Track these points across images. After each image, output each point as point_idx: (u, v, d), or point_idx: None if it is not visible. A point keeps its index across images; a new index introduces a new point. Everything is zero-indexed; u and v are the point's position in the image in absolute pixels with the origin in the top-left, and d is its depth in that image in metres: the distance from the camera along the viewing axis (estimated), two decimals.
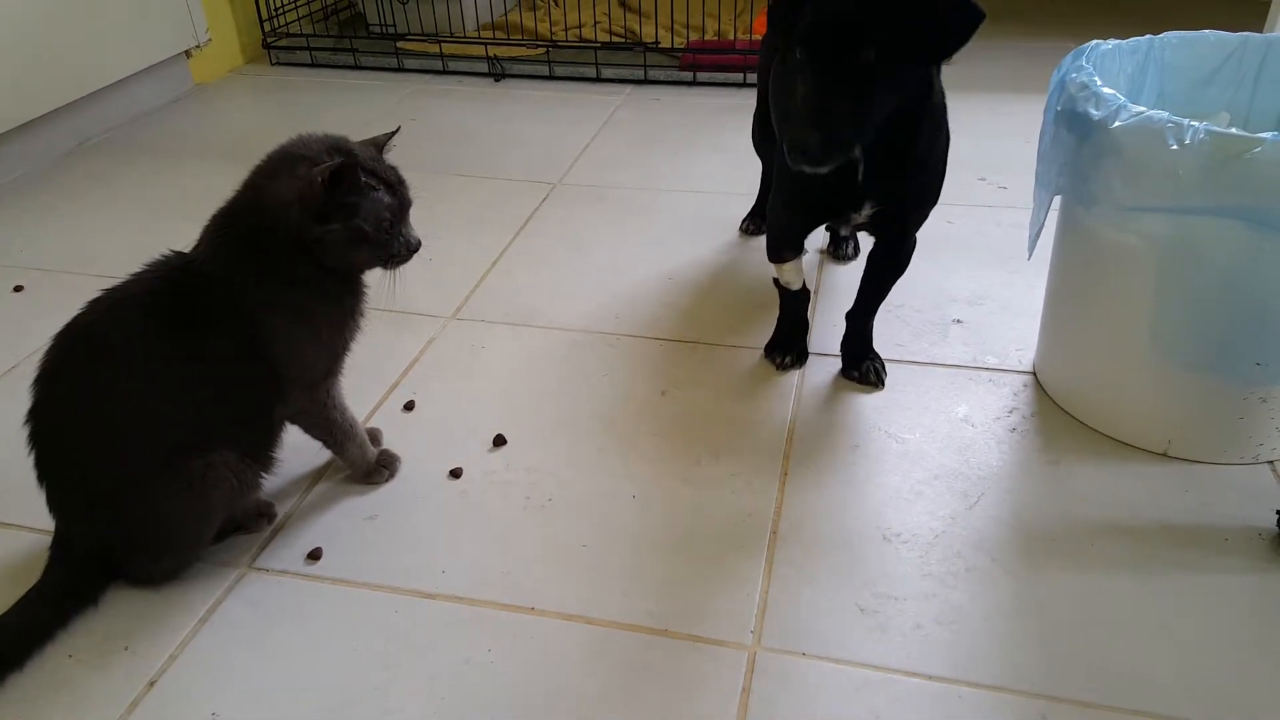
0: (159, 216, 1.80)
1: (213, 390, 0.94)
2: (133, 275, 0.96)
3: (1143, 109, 0.99)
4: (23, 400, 0.93)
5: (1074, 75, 1.09)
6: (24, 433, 0.93)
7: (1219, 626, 0.93)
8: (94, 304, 0.94)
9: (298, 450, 1.09)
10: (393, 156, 1.01)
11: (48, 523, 0.97)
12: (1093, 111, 1.03)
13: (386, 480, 1.13)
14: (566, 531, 1.06)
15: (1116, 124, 0.99)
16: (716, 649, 0.92)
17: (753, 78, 2.39)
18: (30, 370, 0.94)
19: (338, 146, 0.95)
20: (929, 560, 1.01)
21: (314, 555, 1.03)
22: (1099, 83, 1.06)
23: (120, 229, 1.76)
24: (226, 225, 0.95)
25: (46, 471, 0.94)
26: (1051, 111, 1.13)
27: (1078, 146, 1.05)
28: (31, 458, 0.93)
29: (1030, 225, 1.21)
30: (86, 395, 0.91)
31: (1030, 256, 1.24)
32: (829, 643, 0.92)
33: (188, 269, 0.95)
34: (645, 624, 0.95)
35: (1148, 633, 0.93)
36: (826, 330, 1.40)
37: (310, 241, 0.92)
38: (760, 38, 2.48)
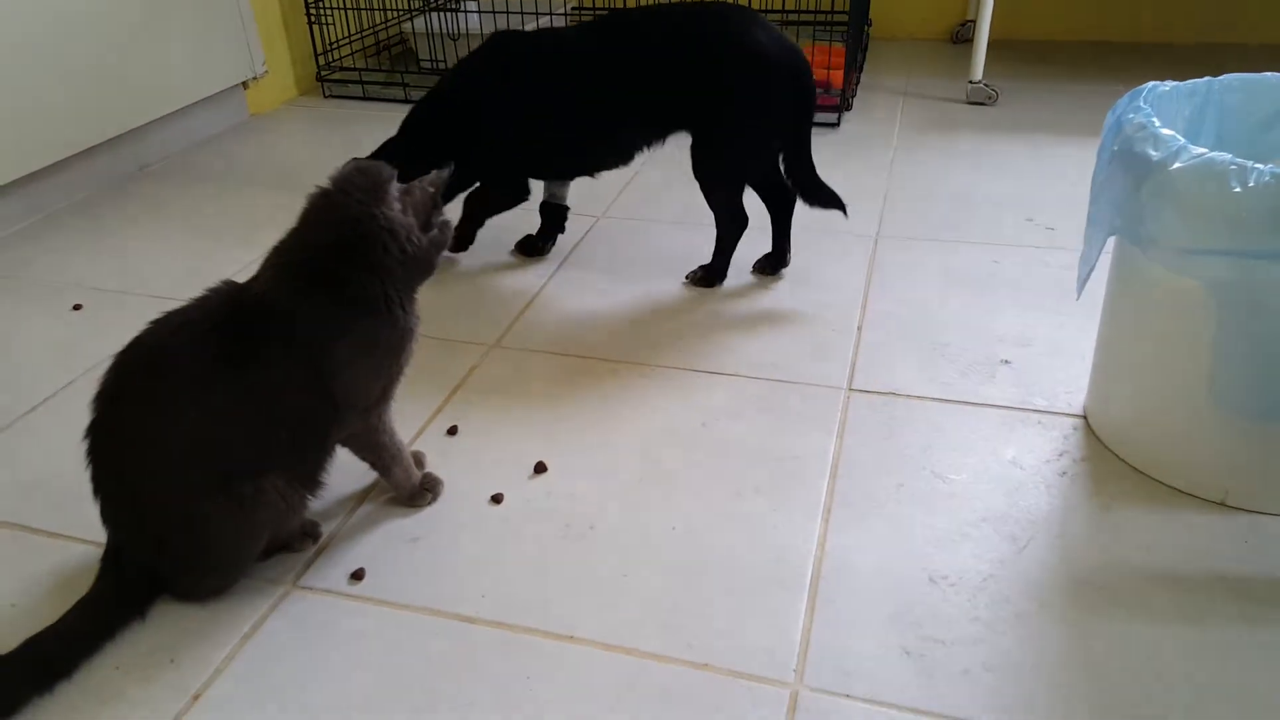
0: (213, 241, 1.85)
1: (267, 416, 0.95)
2: (195, 300, 0.98)
3: (1204, 150, 0.98)
4: (79, 415, 0.95)
5: (1131, 116, 1.08)
6: (81, 447, 0.95)
7: None
8: (156, 325, 0.96)
9: (343, 471, 1.10)
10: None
11: (99, 535, 0.98)
12: (1151, 152, 1.02)
13: (430, 503, 1.14)
14: (606, 560, 1.06)
15: (1176, 165, 0.98)
16: (757, 685, 0.91)
17: None
18: (87, 385, 0.95)
19: (386, 169, 1.01)
20: (977, 604, 0.99)
21: (357, 576, 1.04)
22: (1158, 123, 1.05)
23: (176, 252, 1.81)
24: (293, 254, 0.98)
25: (102, 486, 0.95)
26: (1107, 152, 1.12)
27: (1135, 187, 1.04)
28: (88, 472, 0.95)
29: (1080, 264, 1.20)
30: (145, 416, 0.92)
31: (1079, 296, 1.23)
32: (874, 684, 0.90)
33: (249, 297, 0.97)
34: (685, 657, 0.94)
35: (1205, 687, 0.90)
36: (872, 365, 1.39)
37: (408, 245, 0.99)
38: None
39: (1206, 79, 1.21)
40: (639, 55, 1.50)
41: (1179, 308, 1.07)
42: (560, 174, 1.71)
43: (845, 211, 1.59)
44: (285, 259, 0.99)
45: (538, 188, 1.77)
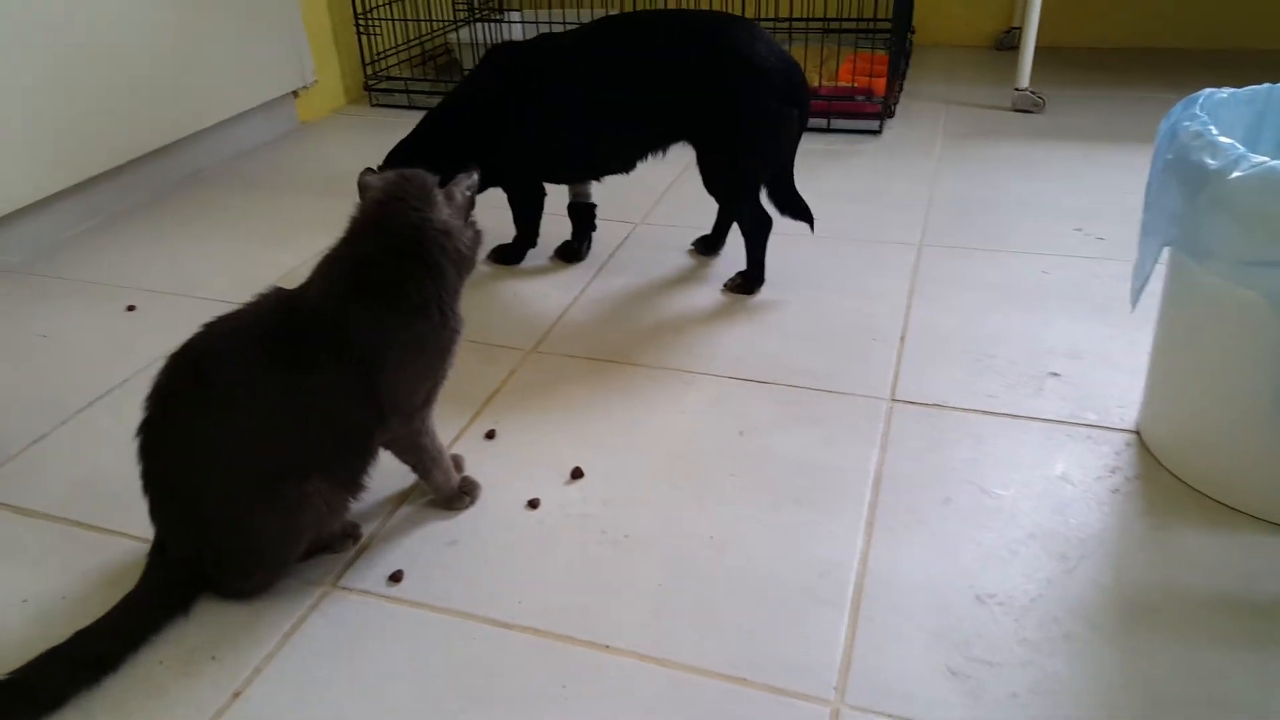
0: (261, 245, 1.87)
1: (315, 421, 0.96)
2: (246, 305, 0.99)
3: (1264, 159, 0.95)
4: (131, 414, 0.96)
5: (1187, 124, 1.05)
6: (132, 446, 0.96)
7: None
8: (208, 329, 0.97)
9: (383, 473, 1.10)
10: (481, 195, 1.06)
11: (146, 532, 1.00)
12: (1208, 161, 0.99)
13: (468, 506, 1.14)
14: (642, 569, 1.05)
15: (1235, 174, 0.95)
16: (796, 702, 0.89)
17: (838, 123, 2.39)
18: (138, 385, 0.97)
19: (429, 175, 1.04)
20: (1025, 625, 0.96)
21: (395, 577, 1.04)
22: (1214, 131, 1.02)
23: (225, 256, 1.84)
24: (350, 261, 0.99)
25: (151, 484, 0.97)
26: (1161, 160, 1.09)
27: (1191, 197, 1.02)
28: (138, 469, 0.96)
29: (1135, 276, 1.17)
30: (196, 417, 0.94)
31: (1134, 308, 1.20)
32: (917, 705, 0.88)
33: (302, 303, 0.98)
34: (722, 670, 0.92)
35: (1269, 717, 0.86)
36: (915, 376, 1.37)
37: (461, 246, 1.02)
38: (843, 84, 2.48)
39: (1266, 85, 1.17)
40: (640, 63, 1.52)
41: (1238, 320, 1.04)
42: (568, 178, 1.75)
43: (813, 226, 1.62)
44: (341, 267, 1.00)
45: (560, 195, 1.77)
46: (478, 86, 1.64)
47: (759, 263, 1.63)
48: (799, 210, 1.61)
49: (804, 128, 1.56)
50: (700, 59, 1.48)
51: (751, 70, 1.46)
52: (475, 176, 1.08)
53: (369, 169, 1.05)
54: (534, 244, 1.79)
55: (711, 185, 1.58)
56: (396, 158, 1.65)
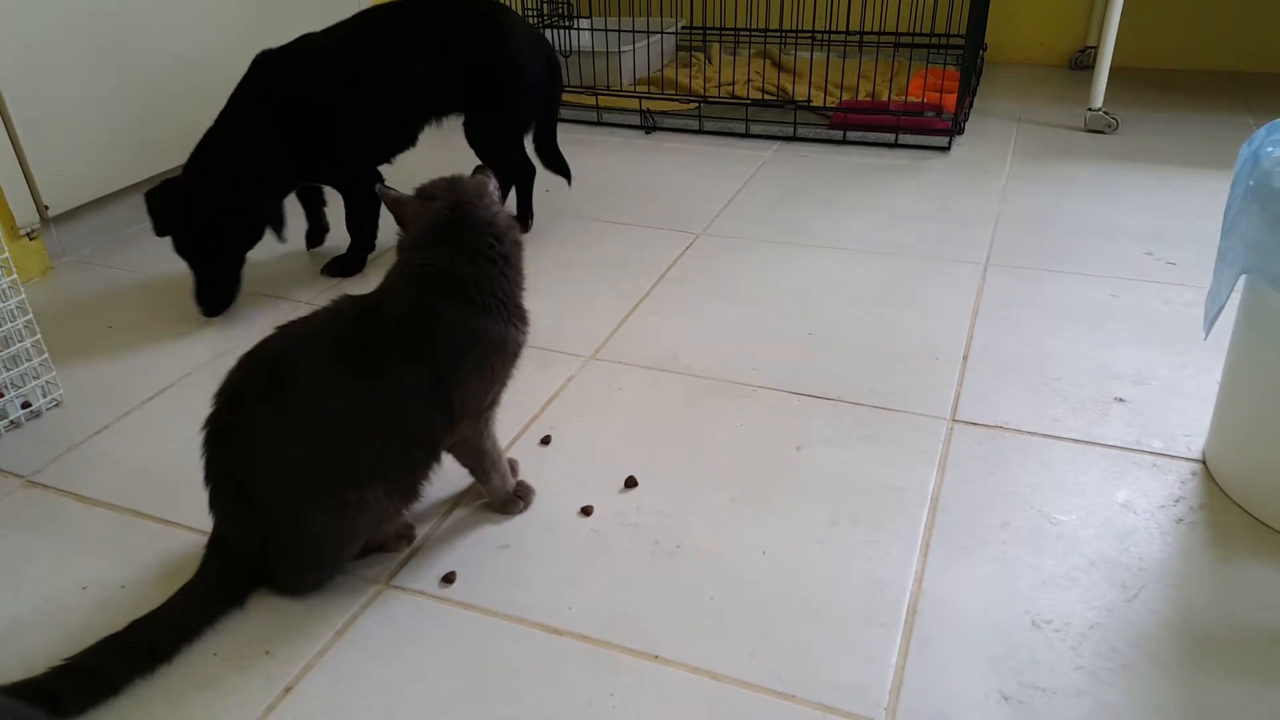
0: (331, 244, 1.91)
1: (382, 428, 0.97)
2: (320, 310, 1.01)
3: None
4: (194, 407, 0.99)
5: (1270, 149, 1.02)
6: (196, 439, 0.98)
7: None
8: (282, 331, 0.99)
9: (438, 476, 1.11)
10: (545, 201, 1.06)
11: (205, 524, 1.02)
12: None
13: (521, 511, 1.15)
14: (694, 581, 1.04)
15: None
16: None
17: (906, 138, 2.37)
18: (202, 379, 1.00)
19: (472, 176, 1.07)
20: (1082, 652, 0.94)
21: (448, 579, 1.05)
22: None
23: (290, 255, 1.88)
24: (429, 265, 1.00)
25: (213, 477, 0.99)
26: (1241, 186, 1.06)
27: (1272, 224, 0.98)
28: (201, 462, 0.98)
29: (1209, 303, 1.13)
30: (265, 417, 0.95)
31: (1208, 335, 1.16)
32: None
33: (375, 311, 0.99)
34: (771, 686, 0.92)
35: None
36: (977, 396, 1.35)
37: (520, 240, 1.05)
38: (913, 99, 2.46)
39: None
40: (416, 54, 1.70)
41: None
42: (375, 161, 1.81)
43: (570, 181, 1.96)
44: (419, 272, 1.00)
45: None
46: (252, 100, 1.65)
47: (528, 204, 1.91)
48: (562, 165, 1.93)
49: (559, 94, 1.90)
50: (470, 45, 1.71)
51: (513, 52, 1.73)
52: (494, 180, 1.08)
53: (383, 184, 1.05)
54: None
55: (477, 144, 1.80)
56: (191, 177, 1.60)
